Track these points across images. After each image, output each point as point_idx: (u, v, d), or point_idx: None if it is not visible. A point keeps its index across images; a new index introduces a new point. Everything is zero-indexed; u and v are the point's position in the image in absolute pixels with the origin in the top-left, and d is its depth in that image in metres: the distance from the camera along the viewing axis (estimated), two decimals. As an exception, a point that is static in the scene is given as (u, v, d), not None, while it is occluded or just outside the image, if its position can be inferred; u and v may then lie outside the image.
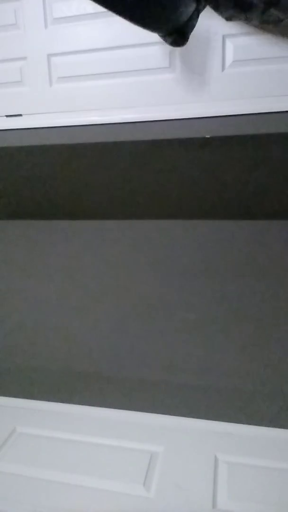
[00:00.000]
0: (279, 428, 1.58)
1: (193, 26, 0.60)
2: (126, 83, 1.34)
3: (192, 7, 0.56)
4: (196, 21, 0.60)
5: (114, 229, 1.74)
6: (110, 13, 0.54)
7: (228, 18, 0.65)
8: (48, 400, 1.83)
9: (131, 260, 1.75)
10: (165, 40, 0.59)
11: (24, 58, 1.41)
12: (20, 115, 1.47)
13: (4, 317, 1.94)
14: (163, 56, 1.29)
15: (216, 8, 0.62)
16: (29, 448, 1.55)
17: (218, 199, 1.55)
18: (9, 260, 1.91)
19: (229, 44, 1.24)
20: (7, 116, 1.48)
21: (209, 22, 1.15)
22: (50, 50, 1.38)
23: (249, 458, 1.43)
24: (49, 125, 1.43)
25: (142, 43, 1.29)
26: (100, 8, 1.22)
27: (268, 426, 1.59)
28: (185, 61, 1.28)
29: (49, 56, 1.39)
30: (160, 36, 0.60)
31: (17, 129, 1.46)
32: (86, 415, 1.72)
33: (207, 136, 1.29)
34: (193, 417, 1.65)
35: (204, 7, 0.61)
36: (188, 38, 0.59)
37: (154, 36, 0.60)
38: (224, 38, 1.23)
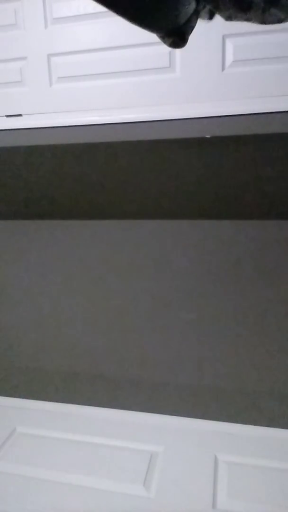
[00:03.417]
0: (279, 428, 1.58)
1: (192, 27, 0.60)
2: (126, 83, 1.34)
3: (191, 7, 0.55)
4: (196, 22, 0.60)
5: (114, 229, 1.74)
6: (110, 13, 0.54)
7: (228, 18, 0.64)
8: (48, 400, 1.83)
9: (131, 260, 1.75)
10: (164, 41, 0.59)
11: (24, 58, 1.41)
12: (20, 115, 1.47)
13: (4, 318, 1.94)
14: (163, 56, 1.29)
15: (216, 8, 0.62)
16: (29, 448, 1.55)
17: (218, 199, 1.55)
18: (9, 260, 1.91)
19: (229, 44, 1.24)
20: (7, 116, 1.48)
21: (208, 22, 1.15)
22: (50, 50, 1.39)
23: (249, 458, 1.43)
24: (49, 125, 1.43)
25: (142, 43, 1.29)
26: (100, 8, 1.21)
27: (268, 426, 1.59)
28: (185, 61, 1.28)
29: (49, 56, 1.39)
30: (159, 37, 0.59)
31: (17, 129, 1.46)
32: (86, 415, 1.72)
33: (207, 136, 1.29)
34: (193, 417, 1.65)
35: (203, 7, 0.60)
36: (187, 39, 0.59)
37: (154, 36, 0.60)
38: (224, 38, 1.23)
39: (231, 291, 1.65)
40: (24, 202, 1.76)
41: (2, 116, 1.48)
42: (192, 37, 0.63)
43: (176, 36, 0.57)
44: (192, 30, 0.60)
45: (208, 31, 1.22)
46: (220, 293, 1.66)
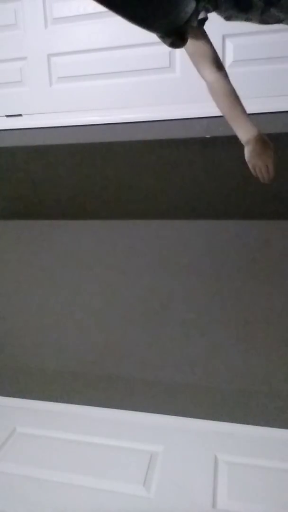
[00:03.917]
0: (279, 428, 1.58)
1: (192, 28, 0.60)
2: (126, 83, 1.34)
3: (191, 7, 0.56)
4: (196, 22, 0.60)
5: (114, 229, 1.74)
6: (110, 13, 0.54)
7: (228, 18, 0.64)
8: (48, 400, 1.83)
9: (131, 260, 1.75)
10: (164, 41, 0.59)
11: (24, 58, 1.41)
12: (20, 115, 1.47)
13: (5, 318, 1.94)
14: (163, 56, 1.29)
15: (216, 8, 0.62)
16: (29, 448, 1.55)
17: (218, 199, 1.55)
18: (9, 260, 1.91)
19: (229, 44, 1.24)
20: (7, 116, 1.48)
21: (209, 22, 1.15)
22: (50, 50, 1.39)
23: (249, 458, 1.43)
24: (49, 125, 1.43)
25: (142, 43, 1.29)
26: (100, 8, 1.21)
27: (268, 426, 1.59)
28: (185, 61, 1.28)
29: (49, 56, 1.39)
30: (159, 37, 0.59)
31: (17, 129, 1.46)
32: (86, 415, 1.72)
33: (207, 136, 1.29)
34: (193, 417, 1.65)
35: (203, 7, 0.60)
36: (187, 39, 0.59)
37: (154, 36, 0.60)
38: (224, 38, 1.23)
39: (231, 290, 1.65)
40: (24, 202, 1.76)
41: (2, 116, 1.48)
42: (192, 37, 0.63)
43: (176, 36, 0.57)
44: (192, 30, 0.60)
45: (208, 31, 1.22)
46: (220, 293, 1.66)
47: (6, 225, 1.87)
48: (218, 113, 1.28)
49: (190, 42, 0.73)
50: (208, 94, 1.28)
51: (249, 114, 1.26)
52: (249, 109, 1.26)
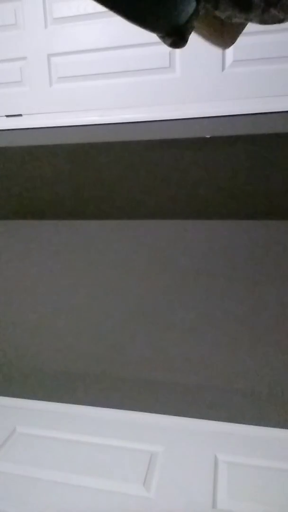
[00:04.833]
0: (279, 428, 1.58)
1: (192, 27, 0.60)
2: (126, 83, 1.34)
3: (191, 6, 0.56)
4: (196, 22, 0.60)
5: (114, 229, 1.74)
6: (110, 13, 0.54)
7: (228, 18, 0.64)
8: (48, 400, 1.83)
9: (131, 260, 1.75)
10: (164, 41, 0.59)
11: (24, 58, 1.41)
12: (20, 115, 1.47)
13: (5, 318, 1.94)
14: (163, 56, 1.29)
15: (216, 8, 0.62)
16: (29, 448, 1.55)
17: (218, 199, 1.55)
18: (9, 260, 1.91)
19: (229, 44, 1.24)
20: (7, 116, 1.48)
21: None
22: (50, 50, 1.39)
23: (249, 458, 1.43)
24: (49, 125, 1.43)
25: (142, 43, 1.29)
26: (100, 8, 1.22)
27: (268, 426, 1.59)
28: (185, 61, 1.28)
29: (49, 56, 1.39)
30: (159, 37, 0.59)
31: (17, 129, 1.47)
32: (86, 415, 1.72)
33: (207, 136, 1.29)
34: (193, 417, 1.66)
35: (203, 7, 0.60)
36: (187, 39, 0.59)
37: (154, 36, 0.60)
38: (224, 38, 1.23)
39: (231, 290, 1.65)
40: (24, 202, 1.76)
41: (2, 116, 1.48)
42: (192, 37, 0.63)
43: (176, 36, 0.57)
44: (192, 30, 0.60)
45: (208, 31, 1.22)
46: (220, 293, 1.66)
47: (6, 225, 1.87)
48: (218, 113, 1.29)
49: None
50: (209, 94, 1.28)
51: (249, 114, 1.27)
52: (250, 109, 1.27)
